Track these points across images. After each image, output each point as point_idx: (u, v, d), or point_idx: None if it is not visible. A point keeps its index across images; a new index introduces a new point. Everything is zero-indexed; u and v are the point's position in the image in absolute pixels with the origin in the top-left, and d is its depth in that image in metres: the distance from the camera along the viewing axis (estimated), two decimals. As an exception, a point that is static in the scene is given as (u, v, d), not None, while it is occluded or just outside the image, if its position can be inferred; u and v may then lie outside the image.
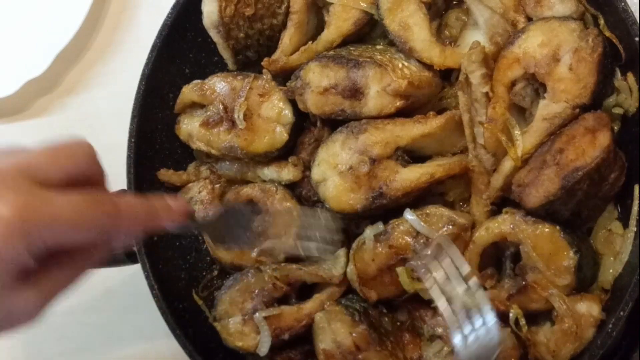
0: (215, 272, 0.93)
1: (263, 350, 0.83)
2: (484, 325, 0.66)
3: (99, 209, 0.56)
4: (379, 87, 0.80)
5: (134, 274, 0.87)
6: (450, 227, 0.78)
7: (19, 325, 0.56)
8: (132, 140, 0.88)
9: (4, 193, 0.51)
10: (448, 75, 0.85)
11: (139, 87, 0.89)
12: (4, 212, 0.50)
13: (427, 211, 0.80)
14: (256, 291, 0.84)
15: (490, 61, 0.80)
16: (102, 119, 1.12)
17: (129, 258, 0.87)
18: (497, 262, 0.80)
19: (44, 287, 0.56)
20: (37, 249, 0.52)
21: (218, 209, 0.75)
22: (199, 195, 0.89)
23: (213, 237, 0.74)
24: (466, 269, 0.69)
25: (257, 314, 0.83)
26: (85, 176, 0.58)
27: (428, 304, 0.80)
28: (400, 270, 0.79)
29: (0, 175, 0.52)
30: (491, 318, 0.67)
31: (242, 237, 0.74)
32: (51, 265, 0.56)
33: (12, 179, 0.52)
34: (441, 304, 0.69)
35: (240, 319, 0.84)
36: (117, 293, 1.05)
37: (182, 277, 0.91)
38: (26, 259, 0.52)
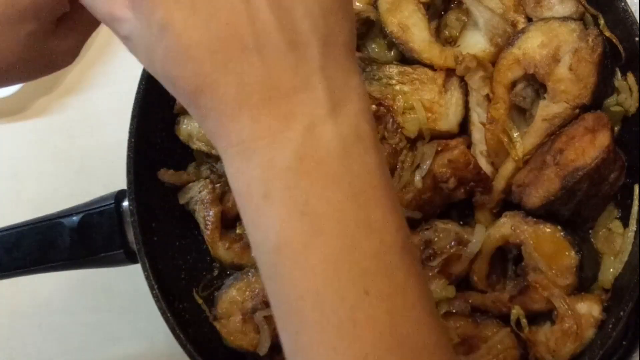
0: (215, 272, 0.93)
1: (263, 349, 0.83)
2: None
3: None
4: None
5: (134, 274, 0.87)
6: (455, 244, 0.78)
7: (61, 66, 0.64)
8: (132, 140, 0.87)
9: None
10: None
11: (139, 87, 0.89)
12: None
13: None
14: (256, 291, 0.84)
15: (487, 64, 0.81)
16: (102, 119, 1.12)
17: (129, 258, 0.87)
18: (502, 267, 0.81)
19: (79, 28, 0.62)
20: None
21: None
22: (199, 195, 0.89)
23: None
24: None
25: (257, 314, 0.83)
26: None
27: None
28: None
29: None
30: None
31: None
32: (82, 8, 0.61)
33: None
34: None
35: (241, 319, 0.84)
36: (117, 293, 1.05)
37: (182, 277, 0.91)
38: (63, 3, 0.58)
